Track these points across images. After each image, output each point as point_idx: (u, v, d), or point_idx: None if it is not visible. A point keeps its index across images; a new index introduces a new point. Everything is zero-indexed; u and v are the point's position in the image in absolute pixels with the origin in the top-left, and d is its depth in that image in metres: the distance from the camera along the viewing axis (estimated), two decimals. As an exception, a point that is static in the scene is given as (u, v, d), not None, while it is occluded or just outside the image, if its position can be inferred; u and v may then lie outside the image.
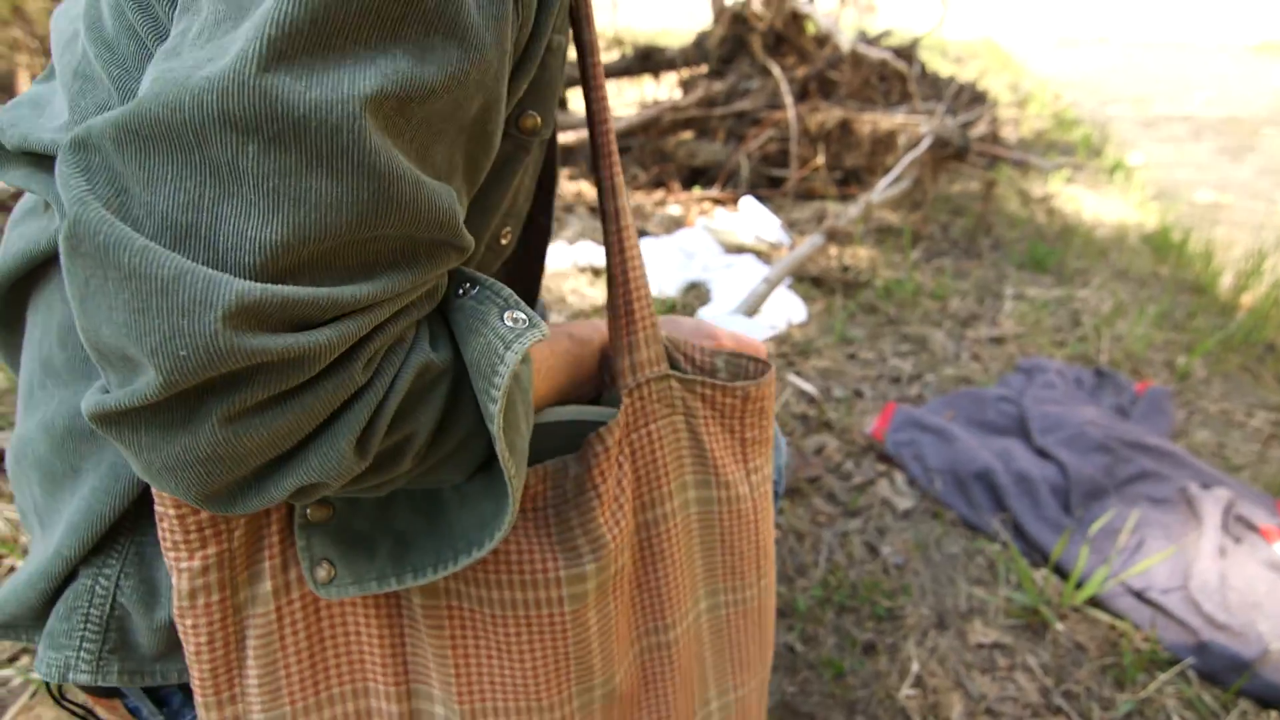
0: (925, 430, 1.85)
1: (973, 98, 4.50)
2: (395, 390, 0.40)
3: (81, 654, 0.52)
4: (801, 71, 3.85)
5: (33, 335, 0.56)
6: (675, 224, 3.13)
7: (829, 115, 3.47)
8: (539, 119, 0.55)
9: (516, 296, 0.46)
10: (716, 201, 3.39)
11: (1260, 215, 3.96)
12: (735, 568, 0.68)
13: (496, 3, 0.40)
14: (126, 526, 0.53)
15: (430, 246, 0.41)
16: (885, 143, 3.47)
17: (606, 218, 0.62)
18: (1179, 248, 3.25)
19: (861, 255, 3.00)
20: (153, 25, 0.45)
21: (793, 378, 2.12)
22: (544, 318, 0.93)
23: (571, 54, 0.59)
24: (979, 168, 3.77)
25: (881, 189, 3.09)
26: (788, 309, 2.44)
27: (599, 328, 0.66)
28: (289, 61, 0.34)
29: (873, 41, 4.47)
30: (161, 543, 0.48)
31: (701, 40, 4.12)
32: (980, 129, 4.00)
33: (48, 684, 0.56)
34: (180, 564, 0.49)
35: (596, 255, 2.72)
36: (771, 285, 2.30)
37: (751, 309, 2.22)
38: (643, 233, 3.01)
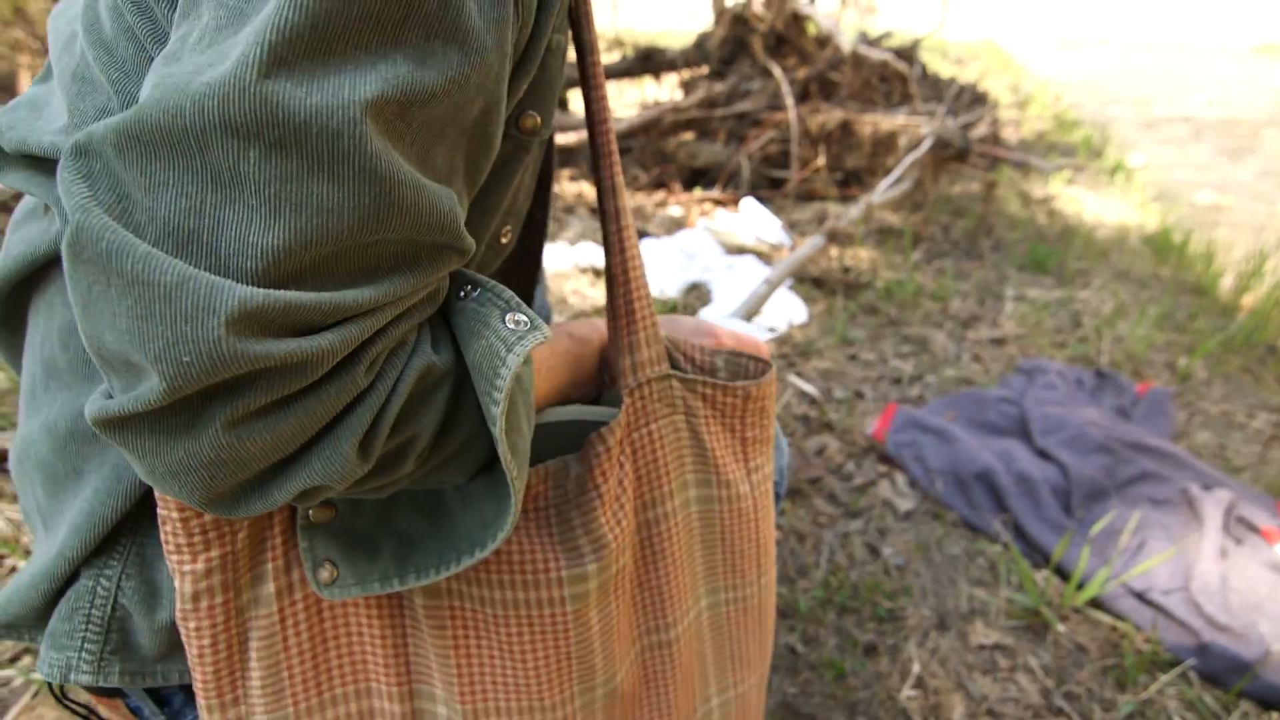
0: (926, 431, 1.85)
1: (973, 99, 4.50)
2: (398, 393, 0.41)
3: (83, 654, 0.52)
4: (802, 73, 3.85)
5: (34, 337, 0.56)
6: (676, 225, 3.13)
7: (830, 116, 3.47)
8: (539, 119, 0.55)
9: (518, 299, 0.46)
10: (717, 202, 3.39)
11: (1261, 216, 3.95)
12: (736, 566, 0.68)
13: (497, 5, 0.41)
14: (128, 528, 0.53)
15: (431, 250, 0.41)
16: (886, 144, 3.46)
17: (606, 217, 0.62)
18: (1180, 249, 3.25)
19: (862, 256, 3.00)
20: (151, 28, 0.45)
21: (794, 379, 2.12)
22: (547, 318, 0.93)
23: (571, 54, 0.60)
24: (980, 169, 3.77)
25: (882, 190, 3.08)
26: (789, 310, 2.44)
27: (599, 327, 0.66)
28: (289, 67, 0.34)
29: (874, 43, 4.47)
30: (164, 546, 0.48)
31: (702, 41, 4.12)
32: (981, 130, 4.00)
33: (50, 684, 0.56)
34: (183, 567, 0.49)
35: (597, 256, 2.72)
36: (772, 286, 2.30)
37: (752, 310, 2.22)
38: (644, 234, 3.01)
